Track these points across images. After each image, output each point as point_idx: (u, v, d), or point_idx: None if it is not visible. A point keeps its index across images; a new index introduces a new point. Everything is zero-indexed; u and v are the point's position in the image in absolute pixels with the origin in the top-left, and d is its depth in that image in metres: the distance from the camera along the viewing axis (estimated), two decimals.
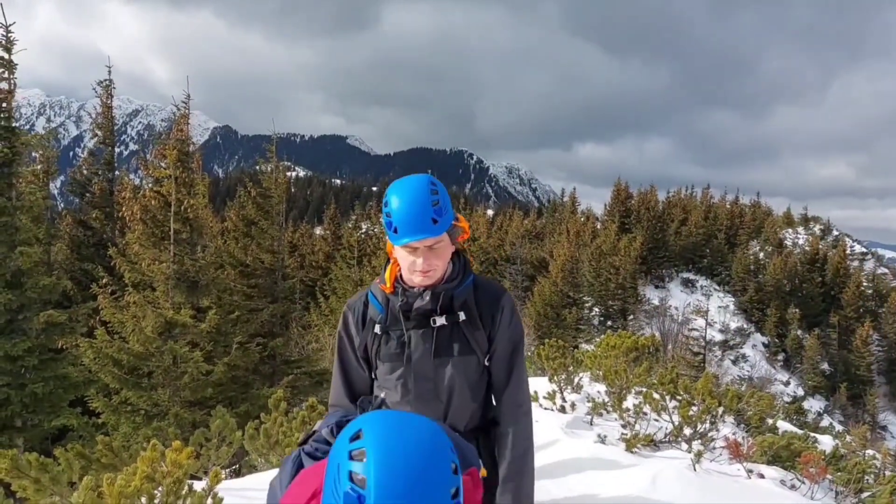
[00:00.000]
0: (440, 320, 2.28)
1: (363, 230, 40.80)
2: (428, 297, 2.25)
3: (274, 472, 6.31)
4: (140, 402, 10.67)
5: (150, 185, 13.81)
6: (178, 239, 12.37)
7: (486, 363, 2.37)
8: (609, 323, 39.38)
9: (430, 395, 2.33)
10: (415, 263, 2.18)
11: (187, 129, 13.77)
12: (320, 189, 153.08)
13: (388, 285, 2.30)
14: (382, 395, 2.36)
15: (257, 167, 19.67)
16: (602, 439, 6.54)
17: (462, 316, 2.31)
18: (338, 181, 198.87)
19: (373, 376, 2.44)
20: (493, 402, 2.46)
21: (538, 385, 8.10)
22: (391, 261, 2.32)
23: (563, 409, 7.66)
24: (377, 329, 2.34)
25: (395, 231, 2.12)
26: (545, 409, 7.70)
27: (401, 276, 2.30)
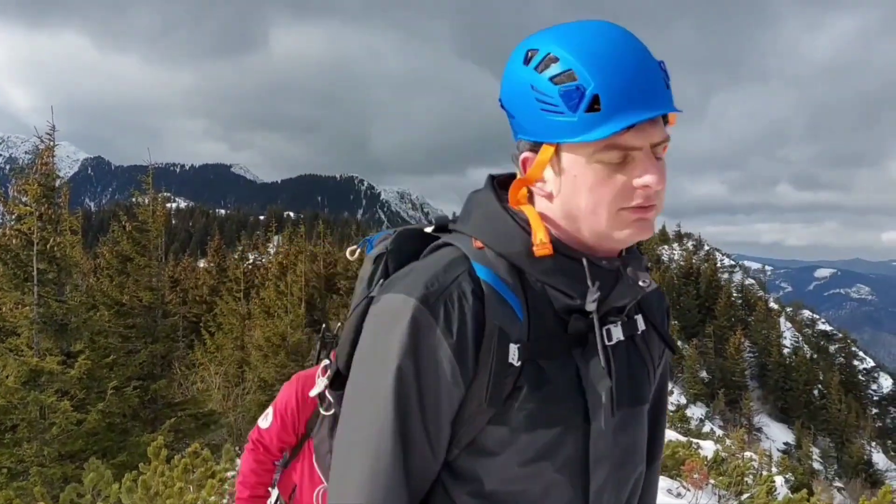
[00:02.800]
0: (641, 323, 1.25)
1: (250, 261, 39.56)
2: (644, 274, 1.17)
3: None
4: (2, 459, 9.73)
5: (11, 222, 12.78)
6: (44, 279, 11.48)
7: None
8: None
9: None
10: (630, 184, 1.04)
11: (53, 162, 12.89)
12: (203, 220, 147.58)
13: (542, 242, 1.06)
14: None
15: (133, 199, 18.68)
16: None
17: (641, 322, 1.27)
18: (222, 211, 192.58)
19: (455, 466, 1.14)
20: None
21: None
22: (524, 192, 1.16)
23: None
24: (514, 355, 1.07)
25: (597, 105, 0.98)
26: None
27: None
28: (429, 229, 1.28)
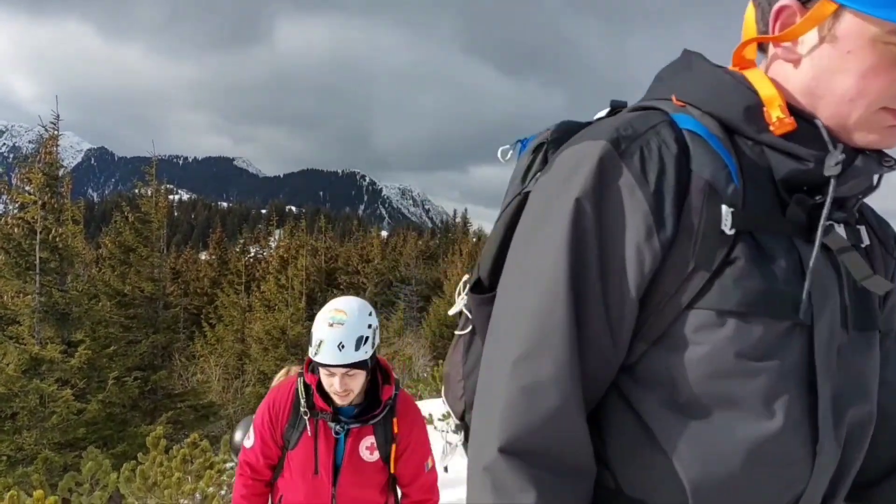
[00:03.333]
0: (865, 236, 1.03)
1: (251, 254, 39.57)
2: None
3: None
4: (2, 447, 9.77)
5: (14, 211, 12.81)
6: (46, 269, 11.52)
7: None
8: None
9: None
10: None
11: (56, 152, 12.91)
12: (206, 212, 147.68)
13: (780, 118, 0.89)
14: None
15: (136, 190, 18.71)
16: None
17: None
18: (225, 204, 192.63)
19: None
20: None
21: (433, 407, 8.13)
22: None
23: (457, 429, 7.71)
24: (726, 221, 0.87)
25: None
26: (440, 430, 7.72)
27: None
28: (601, 113, 1.08)
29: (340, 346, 2.15)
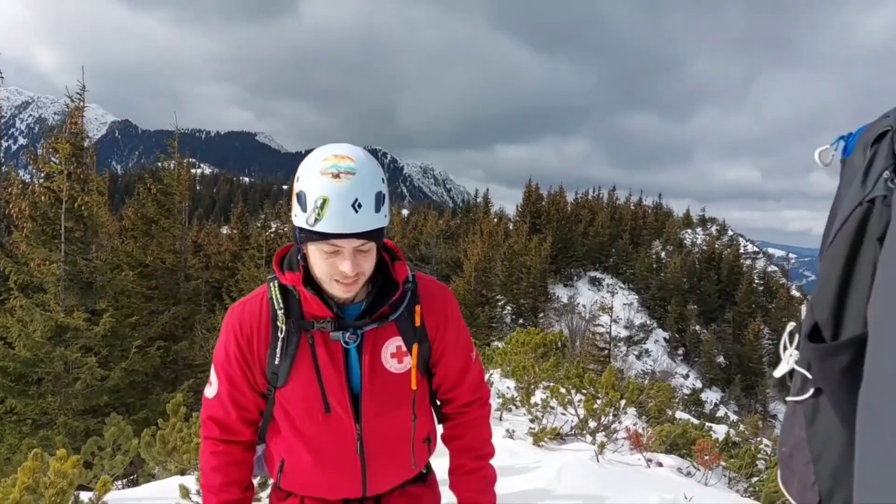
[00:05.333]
0: None
1: (272, 229, 39.84)
2: None
3: (171, 480, 6.06)
4: (27, 410, 10.00)
5: (40, 180, 12.98)
6: (71, 238, 11.68)
7: None
8: (521, 321, 40.20)
9: None
10: None
11: (82, 122, 13.03)
12: (227, 187, 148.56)
13: None
14: None
15: (158, 164, 18.87)
16: (510, 434, 6.67)
17: None
18: (246, 179, 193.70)
19: None
20: None
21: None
22: None
23: None
24: None
25: None
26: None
27: None
28: None
29: (357, 205, 1.45)
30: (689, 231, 76.20)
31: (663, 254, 62.45)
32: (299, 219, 1.48)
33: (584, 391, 7.76)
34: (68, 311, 10.79)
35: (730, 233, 78.64)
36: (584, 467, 5.62)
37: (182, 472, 6.27)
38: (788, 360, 0.95)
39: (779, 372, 0.97)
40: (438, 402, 1.87)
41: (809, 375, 0.88)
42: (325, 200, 1.43)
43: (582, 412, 7.19)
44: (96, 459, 6.74)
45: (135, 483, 7.69)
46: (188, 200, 17.75)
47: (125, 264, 14.15)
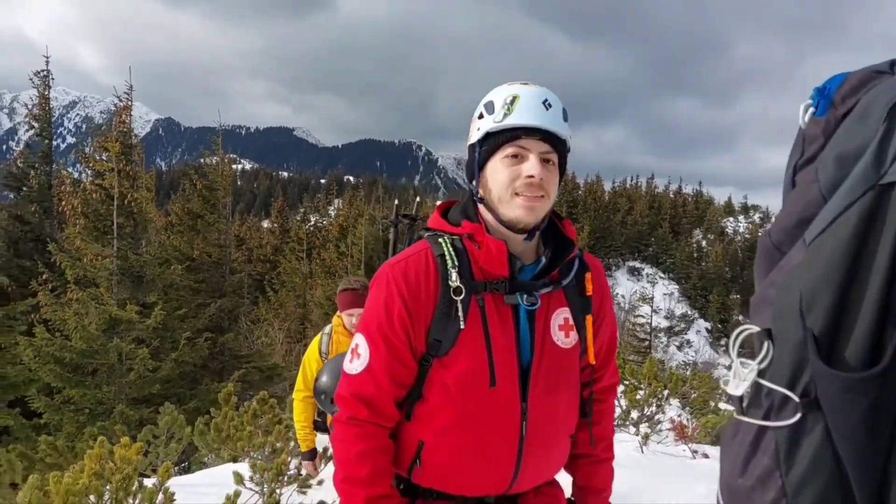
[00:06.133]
0: None
1: (311, 222, 40.41)
2: None
3: (224, 467, 6.27)
4: (84, 400, 10.39)
5: (90, 178, 13.42)
6: (122, 233, 12.06)
7: None
8: None
9: None
10: None
11: (130, 121, 13.42)
12: (267, 182, 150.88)
13: None
14: None
15: (202, 160, 19.30)
16: None
17: None
18: (285, 174, 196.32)
19: None
20: None
21: None
22: None
23: None
24: None
25: None
26: None
27: None
28: None
29: (547, 104, 1.37)
30: (731, 219, 74.75)
31: (704, 242, 61.44)
32: (484, 125, 1.40)
33: (626, 382, 7.76)
34: (121, 305, 11.17)
35: (773, 220, 77.02)
36: (629, 458, 5.65)
37: (234, 460, 6.49)
38: (747, 373, 0.76)
39: (737, 390, 0.77)
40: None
41: (794, 396, 0.71)
42: (515, 97, 1.37)
43: (624, 403, 7.19)
44: (151, 447, 7.00)
45: (187, 470, 7.97)
46: (231, 195, 18.11)
47: (173, 258, 14.55)
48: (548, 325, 1.45)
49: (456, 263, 1.40)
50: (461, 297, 1.38)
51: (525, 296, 1.41)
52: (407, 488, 1.52)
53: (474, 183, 1.47)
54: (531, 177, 1.35)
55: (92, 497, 3.54)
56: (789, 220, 0.82)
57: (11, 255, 14.87)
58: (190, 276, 14.83)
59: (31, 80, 16.06)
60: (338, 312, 3.73)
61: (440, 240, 1.45)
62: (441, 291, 1.39)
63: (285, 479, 4.84)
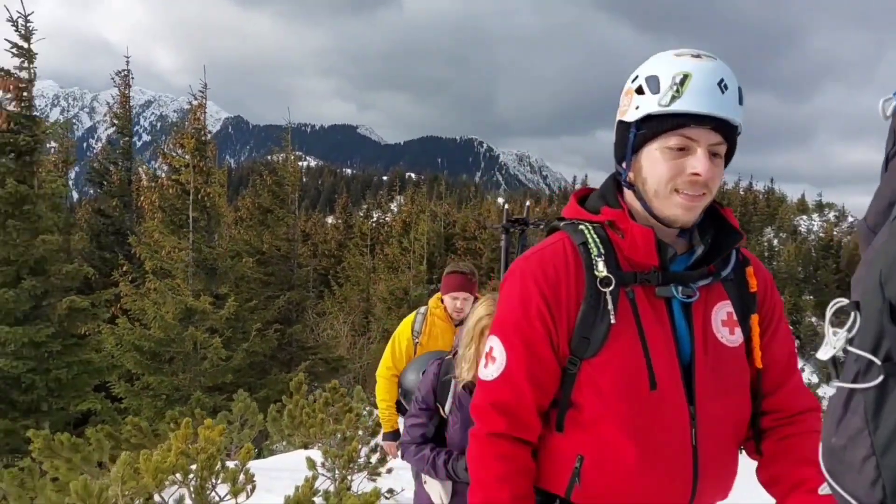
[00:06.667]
0: None
1: (374, 218, 40.98)
2: None
3: (296, 453, 6.45)
4: (161, 387, 10.86)
5: (166, 174, 14.01)
6: (197, 227, 12.53)
7: None
8: None
9: None
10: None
11: (204, 118, 13.92)
12: (331, 178, 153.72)
13: None
14: None
15: (270, 157, 19.86)
16: None
17: None
18: (349, 171, 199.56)
19: None
20: None
21: None
22: None
23: None
24: None
25: None
26: None
27: None
28: None
29: (723, 86, 1.18)
30: (805, 217, 71.84)
31: (776, 241, 59.33)
32: (646, 105, 1.20)
33: None
34: (195, 295, 11.61)
35: (850, 219, 73.46)
36: None
37: (304, 446, 6.68)
38: (836, 341, 0.83)
39: (825, 354, 0.85)
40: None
41: (877, 360, 0.78)
42: (686, 76, 1.17)
43: None
44: (226, 433, 7.27)
45: (258, 456, 8.25)
46: (298, 191, 18.56)
47: (243, 252, 15.02)
48: (708, 319, 1.28)
49: (602, 252, 1.25)
50: (610, 289, 1.22)
51: (680, 287, 1.25)
52: None
53: (623, 166, 1.29)
54: (696, 174, 1.18)
55: (178, 475, 3.72)
56: (882, 203, 0.88)
57: (94, 247, 15.67)
58: (260, 269, 15.28)
59: (112, 79, 16.85)
60: (437, 295, 3.65)
61: (580, 227, 1.30)
62: (586, 284, 1.24)
63: (356, 466, 4.95)
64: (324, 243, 35.05)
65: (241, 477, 3.86)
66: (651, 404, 1.22)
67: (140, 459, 3.61)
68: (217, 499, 3.77)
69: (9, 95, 10.70)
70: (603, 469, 1.25)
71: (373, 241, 30.41)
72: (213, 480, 3.73)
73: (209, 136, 14.60)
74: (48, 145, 15.92)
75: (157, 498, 3.64)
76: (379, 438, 5.14)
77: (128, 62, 17.53)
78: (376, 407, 4.11)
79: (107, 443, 5.39)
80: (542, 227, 1.56)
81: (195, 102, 13.83)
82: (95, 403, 9.85)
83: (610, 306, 1.21)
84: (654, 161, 1.22)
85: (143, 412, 10.64)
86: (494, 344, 1.31)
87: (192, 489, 3.74)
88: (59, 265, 10.11)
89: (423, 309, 3.67)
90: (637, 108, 1.22)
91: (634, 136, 1.23)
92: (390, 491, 4.89)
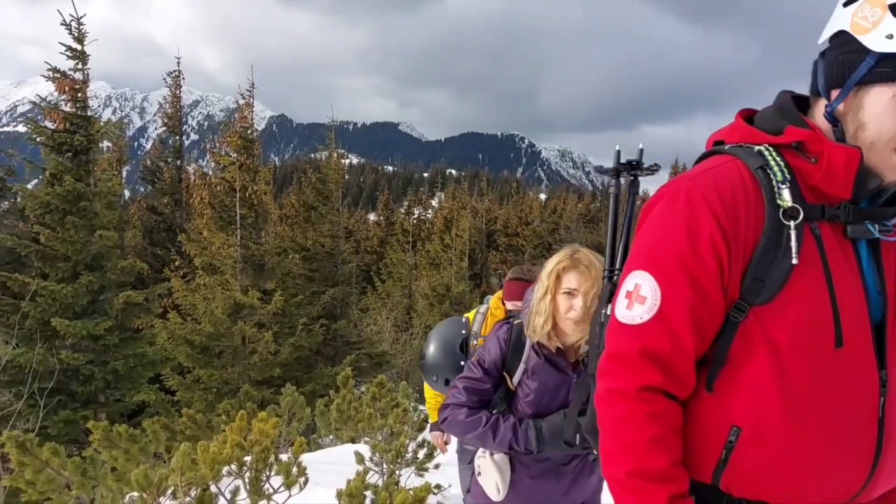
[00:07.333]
0: None
1: (416, 215, 41.14)
2: None
3: (343, 447, 6.54)
4: (211, 380, 11.14)
5: (215, 171, 14.33)
6: (244, 224, 12.79)
7: None
8: None
9: None
10: None
11: (251, 117, 14.18)
12: (373, 176, 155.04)
13: None
14: None
15: (313, 154, 20.13)
16: None
17: None
18: (390, 168, 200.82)
19: None
20: None
21: None
22: None
23: None
24: None
25: None
26: None
27: None
28: None
29: None
30: None
31: None
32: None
33: None
34: (244, 291, 11.87)
35: None
36: None
37: (352, 440, 6.77)
38: None
39: None
40: None
41: None
42: None
43: None
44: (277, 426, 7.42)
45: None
46: (341, 188, 18.78)
47: (289, 248, 15.27)
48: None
49: (787, 177, 1.03)
50: (795, 223, 1.00)
51: (877, 226, 1.03)
52: (705, 498, 1.08)
53: (835, 94, 1.04)
54: None
55: (233, 465, 3.82)
56: None
57: (147, 243, 16.13)
58: (305, 266, 15.52)
59: (164, 80, 17.30)
60: (498, 294, 3.47)
61: (757, 149, 1.07)
62: (766, 214, 1.02)
63: (403, 461, 5.00)
64: (366, 240, 35.33)
65: (294, 469, 3.94)
66: (834, 365, 1.01)
67: (198, 450, 3.72)
68: (271, 491, 3.86)
69: (64, 96, 11.08)
70: (766, 445, 1.03)
71: (414, 238, 30.53)
72: (268, 472, 3.81)
73: (256, 133, 14.88)
74: (102, 145, 16.44)
75: (213, 489, 3.74)
76: (426, 433, 5.18)
77: (178, 62, 17.98)
78: (421, 402, 4.12)
79: (163, 434, 5.55)
80: (657, 172, 1.39)
81: (242, 102, 14.10)
82: (150, 395, 10.17)
83: (793, 243, 1.00)
84: (886, 108, 0.97)
85: (194, 404, 10.94)
86: (642, 280, 1.07)
87: (246, 480, 3.83)
88: (114, 261, 10.45)
89: (483, 308, 3.51)
90: (890, 37, 0.95)
91: (870, 69, 0.98)
92: (437, 486, 4.91)
